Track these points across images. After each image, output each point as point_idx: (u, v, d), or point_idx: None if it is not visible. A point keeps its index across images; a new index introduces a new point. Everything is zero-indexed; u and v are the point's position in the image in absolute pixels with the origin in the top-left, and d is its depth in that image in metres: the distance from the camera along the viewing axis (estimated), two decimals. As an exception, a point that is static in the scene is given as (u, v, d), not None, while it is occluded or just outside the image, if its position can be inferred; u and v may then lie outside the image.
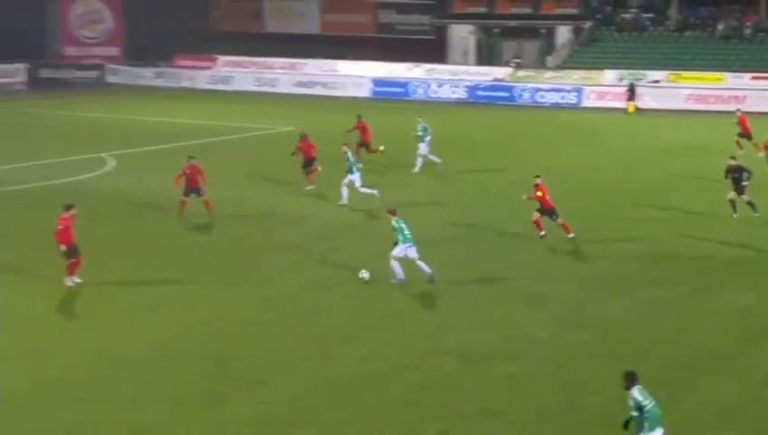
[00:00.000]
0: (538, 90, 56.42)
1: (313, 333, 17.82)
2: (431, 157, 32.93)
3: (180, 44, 66.69)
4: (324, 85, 61.23)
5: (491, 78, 59.17)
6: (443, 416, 14.40)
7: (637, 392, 12.05)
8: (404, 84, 59.61)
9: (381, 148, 32.99)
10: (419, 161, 32.68)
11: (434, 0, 65.24)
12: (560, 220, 23.74)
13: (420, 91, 58.93)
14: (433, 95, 58.38)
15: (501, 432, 14.13)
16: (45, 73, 65.01)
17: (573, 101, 55.04)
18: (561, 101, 55.27)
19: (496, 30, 64.33)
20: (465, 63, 63.10)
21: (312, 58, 63.92)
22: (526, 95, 56.33)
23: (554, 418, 14.35)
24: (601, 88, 54.72)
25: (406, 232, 20.20)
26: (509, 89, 57.11)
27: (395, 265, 20.28)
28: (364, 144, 33.27)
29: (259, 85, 62.76)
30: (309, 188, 29.45)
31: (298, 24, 69.42)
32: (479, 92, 57.65)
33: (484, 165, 34.72)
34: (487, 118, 50.08)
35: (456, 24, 64.84)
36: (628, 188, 30.49)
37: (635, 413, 11.97)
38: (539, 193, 23.56)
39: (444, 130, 45.91)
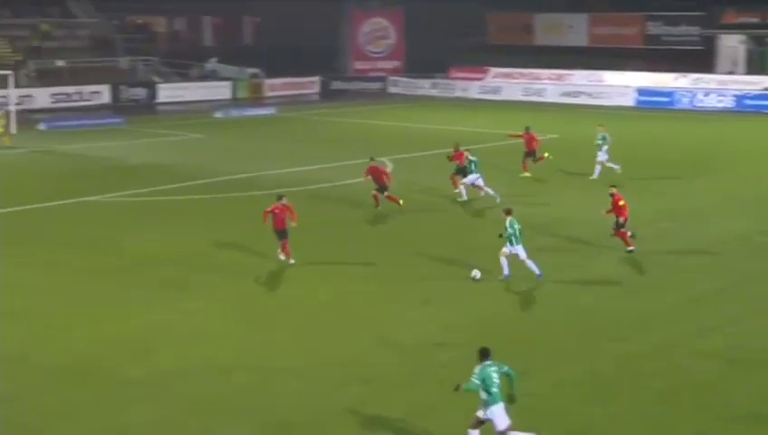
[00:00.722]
0: (812, 98, 52.64)
1: (575, 330, 17.63)
2: (609, 164, 31.95)
3: (455, 57, 67.98)
4: (589, 95, 60.20)
5: (761, 87, 55.82)
6: (702, 417, 13.81)
7: (479, 368, 12.52)
8: (669, 94, 57.46)
9: (546, 154, 32.45)
10: (598, 168, 31.96)
11: (704, 12, 62.45)
12: (624, 230, 22.33)
13: (685, 100, 56.60)
14: (698, 104, 55.91)
15: (763, 438, 13.38)
16: (336, 85, 68.25)
17: None
18: (834, 110, 51.32)
19: (768, 39, 60.66)
20: (734, 73, 59.90)
21: (579, 69, 63.12)
22: (798, 104, 52.72)
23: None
24: None
25: (518, 234, 20.09)
26: (779, 97, 53.69)
27: (504, 261, 20.26)
28: (530, 153, 32.80)
29: (526, 95, 62.67)
30: (457, 191, 29.23)
31: (567, 36, 68.76)
32: (747, 101, 54.58)
33: (726, 175, 32.92)
34: (753, 126, 47.30)
35: (726, 34, 61.70)
36: None
37: (476, 384, 12.44)
38: (620, 204, 22.21)
39: (708, 138, 43.77)
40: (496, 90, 64.37)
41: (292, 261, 21.61)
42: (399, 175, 33.96)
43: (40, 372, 15.24)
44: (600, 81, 62.03)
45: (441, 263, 22.25)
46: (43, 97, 52.92)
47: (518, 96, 62.53)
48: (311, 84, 67.10)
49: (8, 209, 26.89)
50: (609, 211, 22.76)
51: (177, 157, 37.34)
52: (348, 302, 19.42)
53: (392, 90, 67.80)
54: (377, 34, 71.66)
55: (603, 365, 15.86)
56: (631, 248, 22.38)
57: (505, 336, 17.30)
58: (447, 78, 67.50)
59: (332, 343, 17.01)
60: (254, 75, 65.44)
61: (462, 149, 29.89)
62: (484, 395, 12.49)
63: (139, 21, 68.16)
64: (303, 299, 19.58)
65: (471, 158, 28.61)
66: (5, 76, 45.39)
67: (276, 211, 21.53)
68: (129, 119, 48.37)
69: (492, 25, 73.45)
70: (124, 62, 60.82)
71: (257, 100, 61.65)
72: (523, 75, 65.29)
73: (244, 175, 33.30)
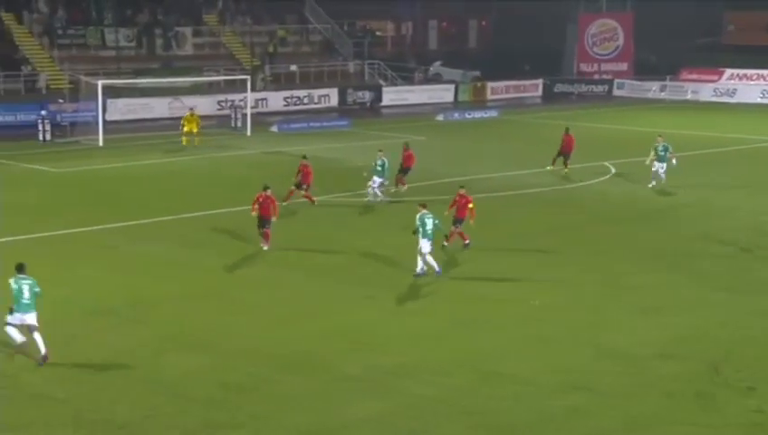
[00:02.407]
0: None
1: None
2: (661, 173, 30.69)
3: (687, 59, 65.45)
4: (839, 97, 56.36)
5: None
6: None
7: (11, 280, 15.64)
8: None
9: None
10: (662, 176, 30.84)
11: None
12: (459, 229, 22.86)
13: None
14: None
15: None
16: (559, 88, 67.35)
17: None
18: None
19: None
20: None
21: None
22: None
23: None
24: None
25: (428, 227, 20.28)
26: None
27: (429, 259, 20.56)
28: (564, 154, 33.69)
29: (765, 97, 59.47)
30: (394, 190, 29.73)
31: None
32: None
33: None
34: None
35: None
36: None
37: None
38: (470, 206, 22.73)
39: None
40: (731, 92, 61.48)
41: (265, 247, 23.09)
42: (623, 180, 33.14)
43: (268, 364, 16.00)
44: None
45: (665, 270, 21.53)
46: (276, 100, 55.52)
47: (755, 99, 59.53)
48: (533, 87, 66.60)
49: (238, 208, 28.41)
50: (452, 205, 23.05)
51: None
52: (567, 307, 19.15)
53: (618, 92, 66.12)
54: (605, 36, 69.98)
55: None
56: (446, 244, 22.85)
57: (738, 350, 16.50)
58: (678, 80, 65.03)
59: (551, 348, 16.83)
60: (477, 78, 65.73)
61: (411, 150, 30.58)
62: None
63: (368, 25, 70.14)
64: (522, 303, 19.47)
65: (384, 159, 28.81)
66: (244, 81, 48.15)
67: (261, 200, 23.24)
68: (354, 121, 49.88)
69: (730, 25, 70.18)
70: (352, 65, 62.79)
71: (479, 102, 61.89)
72: (762, 77, 62.00)
73: (464, 177, 33.42)
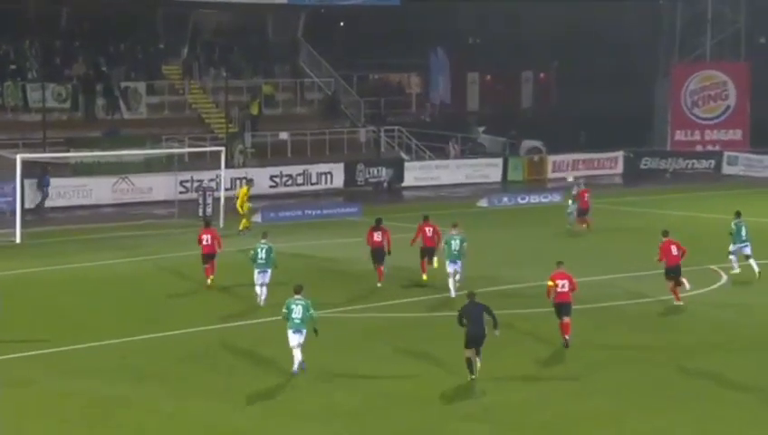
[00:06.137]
0: None
1: None
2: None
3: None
4: None
5: None
6: None
7: None
8: None
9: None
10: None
11: None
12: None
13: None
14: None
15: None
16: (647, 164, 67.35)
17: None
18: None
19: None
20: None
21: None
22: None
23: None
24: None
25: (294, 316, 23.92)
26: None
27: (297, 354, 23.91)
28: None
29: None
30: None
31: None
32: None
33: None
34: None
35: None
36: None
37: None
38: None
39: None
40: None
41: None
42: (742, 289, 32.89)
43: None
44: None
45: None
46: (260, 179, 55.30)
47: None
48: (611, 162, 66.78)
49: (196, 329, 28.26)
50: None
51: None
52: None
53: (728, 170, 66.18)
54: (709, 93, 70.26)
55: None
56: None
57: None
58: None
59: None
60: (534, 150, 66.11)
61: None
62: None
63: (385, 80, 70.95)
64: None
65: (270, 245, 31.27)
66: (216, 154, 48.25)
67: None
68: (366, 208, 49.78)
69: None
70: (363, 133, 63.17)
71: (537, 183, 62.11)
72: None
73: (514, 285, 33.37)
